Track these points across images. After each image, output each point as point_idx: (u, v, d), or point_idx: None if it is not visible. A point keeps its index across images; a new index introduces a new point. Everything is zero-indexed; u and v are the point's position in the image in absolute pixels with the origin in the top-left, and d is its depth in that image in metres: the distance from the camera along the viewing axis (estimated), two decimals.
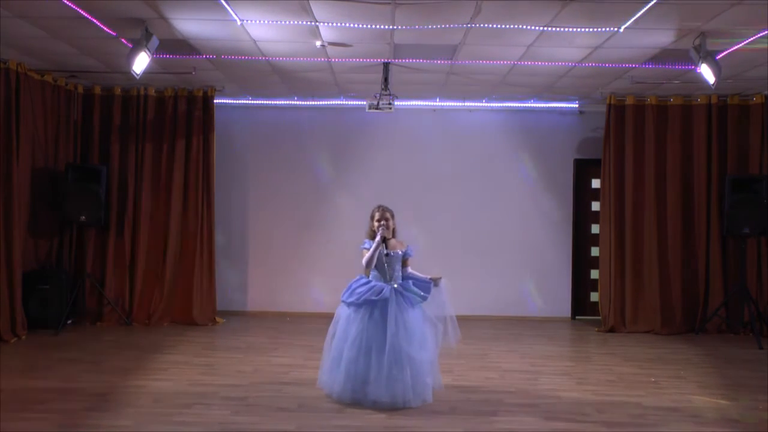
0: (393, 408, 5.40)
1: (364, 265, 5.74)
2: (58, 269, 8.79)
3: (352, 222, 9.11)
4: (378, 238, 5.66)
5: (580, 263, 10.07)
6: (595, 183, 9.94)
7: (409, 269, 5.87)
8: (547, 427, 5.16)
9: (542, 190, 10.00)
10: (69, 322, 8.66)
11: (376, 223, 5.77)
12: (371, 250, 5.67)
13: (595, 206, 9.90)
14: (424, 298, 5.70)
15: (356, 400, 5.52)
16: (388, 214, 5.82)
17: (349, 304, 5.69)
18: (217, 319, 9.24)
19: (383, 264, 5.69)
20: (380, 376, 5.43)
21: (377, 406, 5.42)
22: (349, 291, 5.72)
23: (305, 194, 10.01)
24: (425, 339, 5.62)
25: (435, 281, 5.77)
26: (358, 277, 5.84)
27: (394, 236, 5.86)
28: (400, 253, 5.78)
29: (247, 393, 5.88)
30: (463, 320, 9.33)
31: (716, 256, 9.03)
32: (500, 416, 5.38)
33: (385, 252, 5.64)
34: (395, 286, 5.67)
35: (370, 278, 5.77)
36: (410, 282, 5.75)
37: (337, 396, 5.60)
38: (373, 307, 5.60)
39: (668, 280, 9.11)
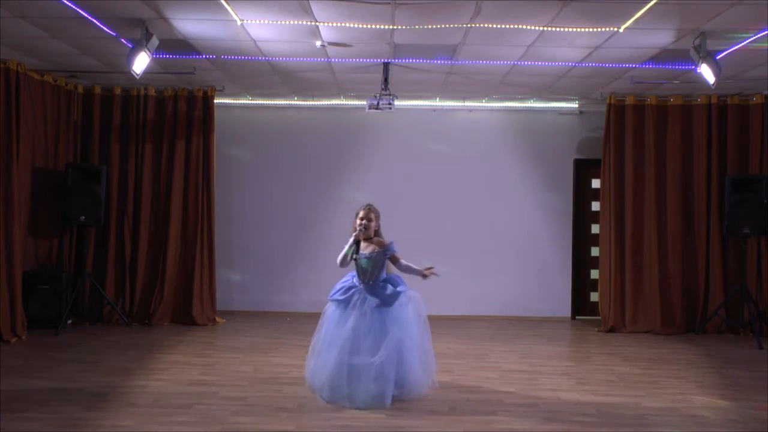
0: (379, 407, 5.42)
1: (338, 264, 5.81)
2: (58, 269, 8.79)
3: (351, 222, 9.11)
4: (351, 239, 5.75)
5: (580, 263, 10.07)
6: (595, 183, 9.94)
7: (403, 262, 5.78)
8: (547, 427, 5.16)
9: (542, 190, 10.00)
10: (69, 322, 8.66)
11: (358, 221, 5.80)
12: (344, 249, 5.76)
13: (595, 206, 9.90)
14: (388, 304, 5.64)
15: (335, 400, 5.54)
16: (372, 215, 5.83)
17: (329, 300, 5.85)
18: (217, 319, 9.24)
19: (359, 265, 5.74)
20: (323, 378, 5.55)
21: (360, 406, 5.42)
22: (333, 288, 5.86)
23: (305, 194, 10.02)
24: (378, 343, 5.53)
25: (425, 273, 5.72)
26: (347, 275, 5.92)
27: (377, 235, 5.87)
28: (384, 254, 5.75)
29: (247, 393, 5.88)
30: (463, 320, 9.44)
31: (716, 256, 9.03)
32: (500, 416, 5.38)
33: (354, 257, 5.69)
34: (365, 288, 5.70)
35: (352, 278, 5.83)
36: (386, 285, 5.72)
37: (328, 399, 5.59)
38: (345, 306, 5.69)
39: (668, 280, 9.11)
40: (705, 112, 9.10)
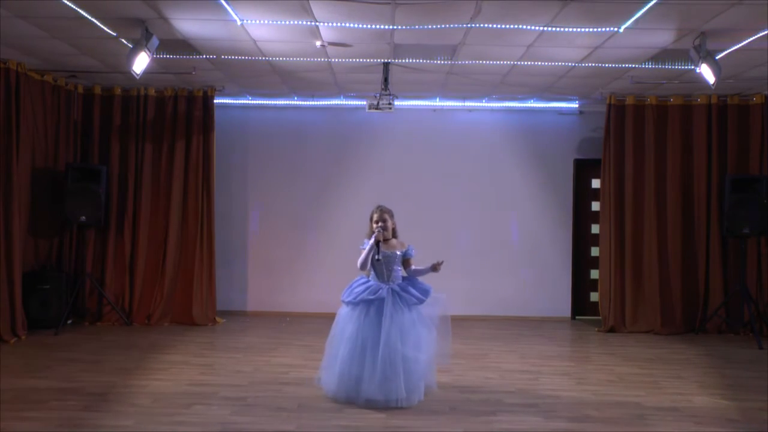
0: (386, 407, 5.41)
1: (359, 267, 5.78)
2: (58, 269, 8.79)
3: (351, 222, 9.11)
4: (371, 240, 5.69)
5: (580, 263, 10.07)
6: (595, 183, 9.95)
7: (413, 267, 5.86)
8: (547, 427, 5.16)
9: (542, 190, 10.00)
10: (69, 322, 8.66)
11: (374, 225, 5.78)
12: (365, 252, 5.71)
13: (595, 206, 9.90)
14: (421, 301, 5.70)
15: (350, 398, 5.54)
16: (386, 215, 5.83)
17: (347, 303, 5.74)
18: (217, 319, 9.24)
19: (381, 265, 5.71)
20: (374, 374, 5.45)
21: (371, 405, 5.43)
22: (349, 290, 5.78)
23: (305, 194, 10.02)
24: (420, 339, 5.61)
25: (435, 267, 5.71)
26: (358, 278, 5.87)
27: (394, 236, 5.88)
28: (398, 253, 5.79)
29: (247, 393, 5.88)
30: (463, 320, 9.45)
31: (716, 256, 9.03)
32: (500, 416, 5.38)
33: (376, 257, 5.65)
34: (393, 286, 5.69)
35: (369, 279, 5.79)
36: (409, 283, 5.77)
37: (332, 394, 5.64)
38: (369, 307, 5.63)
39: (668, 280, 9.11)
40: (705, 112, 9.10)
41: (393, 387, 5.43)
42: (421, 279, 5.89)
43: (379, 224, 5.75)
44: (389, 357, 5.45)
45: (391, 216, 5.87)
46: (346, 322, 5.71)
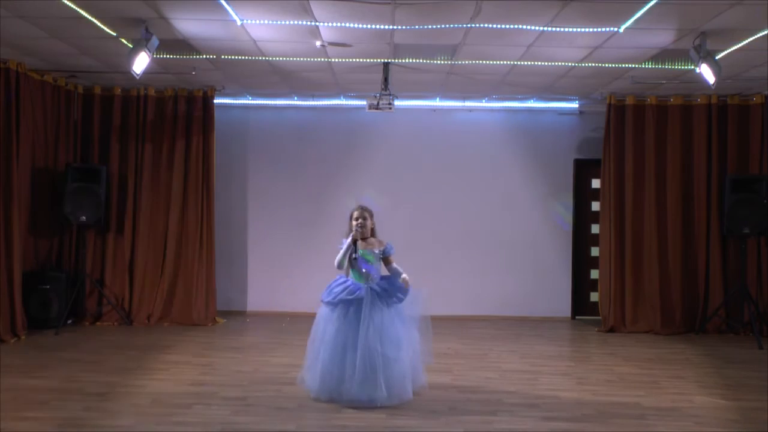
0: (369, 407, 5.41)
1: (336, 266, 5.77)
2: (58, 269, 8.79)
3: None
4: (348, 239, 5.71)
5: (580, 263, 10.07)
6: (595, 183, 9.94)
7: (394, 265, 5.83)
8: (547, 427, 5.16)
9: (542, 190, 10.00)
10: (69, 322, 8.66)
11: (353, 223, 5.78)
12: (342, 250, 5.72)
13: (595, 206, 9.90)
14: (400, 300, 5.69)
15: (333, 398, 5.55)
16: (366, 214, 5.83)
17: (326, 304, 5.75)
18: (217, 319, 9.24)
19: (357, 265, 5.71)
20: (354, 375, 5.46)
21: (354, 405, 5.44)
22: (328, 290, 5.78)
23: (305, 194, 10.02)
24: (400, 338, 5.61)
25: (404, 281, 5.70)
26: (337, 277, 5.87)
27: (373, 235, 5.88)
28: (376, 251, 5.78)
29: (247, 393, 5.88)
30: (463, 320, 9.46)
31: (716, 256, 9.03)
32: (500, 416, 5.38)
33: (353, 256, 5.66)
34: (371, 285, 5.68)
35: (348, 278, 5.80)
36: (387, 282, 5.75)
37: (315, 395, 5.64)
38: (349, 307, 5.63)
39: (668, 280, 9.11)
40: (705, 112, 9.10)
41: (373, 387, 5.44)
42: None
43: (359, 221, 5.76)
44: (368, 358, 5.46)
45: (371, 215, 5.87)
46: (326, 322, 5.70)
